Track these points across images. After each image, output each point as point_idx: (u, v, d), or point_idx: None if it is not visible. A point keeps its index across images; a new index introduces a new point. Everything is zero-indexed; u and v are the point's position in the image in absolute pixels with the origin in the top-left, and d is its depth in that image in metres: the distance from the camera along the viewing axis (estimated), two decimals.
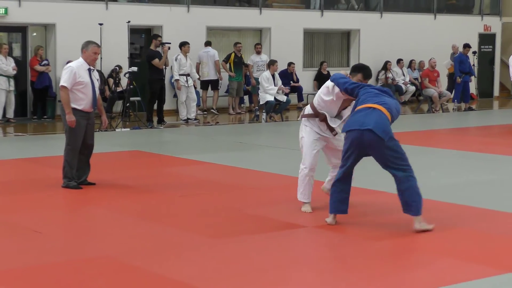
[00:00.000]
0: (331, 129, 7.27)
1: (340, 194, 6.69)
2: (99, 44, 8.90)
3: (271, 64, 16.53)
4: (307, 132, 7.35)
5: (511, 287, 5.21)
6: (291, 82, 19.39)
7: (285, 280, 5.31)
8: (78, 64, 8.61)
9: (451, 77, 20.57)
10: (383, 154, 6.48)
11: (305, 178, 7.34)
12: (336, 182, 6.74)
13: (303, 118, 7.44)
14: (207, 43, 18.37)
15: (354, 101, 6.91)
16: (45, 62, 16.53)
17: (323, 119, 7.24)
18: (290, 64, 19.56)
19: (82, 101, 8.56)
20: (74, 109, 8.52)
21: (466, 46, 19.77)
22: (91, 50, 8.62)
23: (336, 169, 7.13)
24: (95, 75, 8.75)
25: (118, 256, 5.84)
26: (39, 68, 16.41)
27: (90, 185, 8.71)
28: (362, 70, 7.16)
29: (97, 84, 8.73)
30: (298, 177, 7.42)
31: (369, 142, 6.45)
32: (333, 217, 6.76)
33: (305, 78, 20.12)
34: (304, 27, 20.67)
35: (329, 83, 7.15)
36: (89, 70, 8.64)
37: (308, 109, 7.42)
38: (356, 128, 6.50)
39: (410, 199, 6.46)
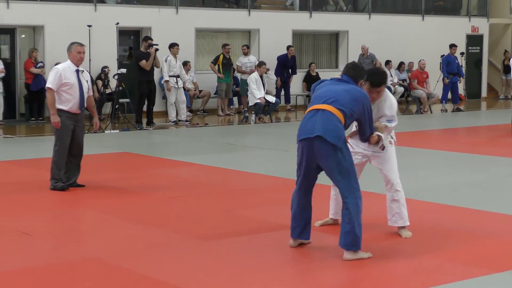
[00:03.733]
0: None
1: (302, 214, 6.01)
2: (83, 44, 8.85)
3: (259, 65, 16.57)
4: None
5: (498, 287, 5.25)
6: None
7: (274, 281, 5.32)
8: (65, 66, 8.63)
9: None
10: (332, 164, 5.74)
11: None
12: (296, 194, 6.09)
13: (349, 138, 6.44)
14: None
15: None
16: (40, 64, 16.50)
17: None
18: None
19: (69, 102, 8.55)
20: (60, 110, 8.53)
21: (452, 46, 19.77)
22: (74, 51, 8.62)
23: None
24: (85, 76, 8.72)
25: (106, 258, 5.84)
26: (34, 70, 16.37)
27: (79, 187, 8.71)
28: (369, 77, 6.18)
29: (86, 86, 8.70)
30: None
31: (320, 151, 5.74)
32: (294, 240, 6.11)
33: (294, 80, 20.14)
34: (293, 28, 20.71)
35: None
36: (77, 71, 8.63)
37: (354, 127, 6.52)
38: (306, 137, 5.79)
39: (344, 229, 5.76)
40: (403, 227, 6.49)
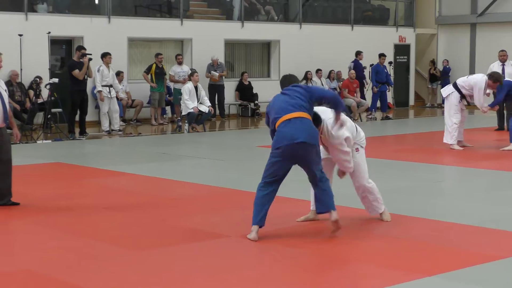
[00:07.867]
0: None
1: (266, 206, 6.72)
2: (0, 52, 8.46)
3: (192, 75, 16.67)
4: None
5: None
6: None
7: None
8: None
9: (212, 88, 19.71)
10: (311, 160, 6.64)
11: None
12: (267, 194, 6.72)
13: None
14: None
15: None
16: None
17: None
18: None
19: None
20: None
21: (381, 55, 20.31)
22: None
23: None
24: (2, 86, 8.10)
25: (38, 270, 5.81)
26: None
27: (14, 205, 8.22)
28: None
29: (5, 95, 8.07)
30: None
31: (302, 153, 6.58)
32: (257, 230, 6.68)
33: (227, 89, 20.30)
34: (225, 37, 20.88)
35: None
36: None
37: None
38: (288, 143, 6.55)
39: (326, 198, 6.73)
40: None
